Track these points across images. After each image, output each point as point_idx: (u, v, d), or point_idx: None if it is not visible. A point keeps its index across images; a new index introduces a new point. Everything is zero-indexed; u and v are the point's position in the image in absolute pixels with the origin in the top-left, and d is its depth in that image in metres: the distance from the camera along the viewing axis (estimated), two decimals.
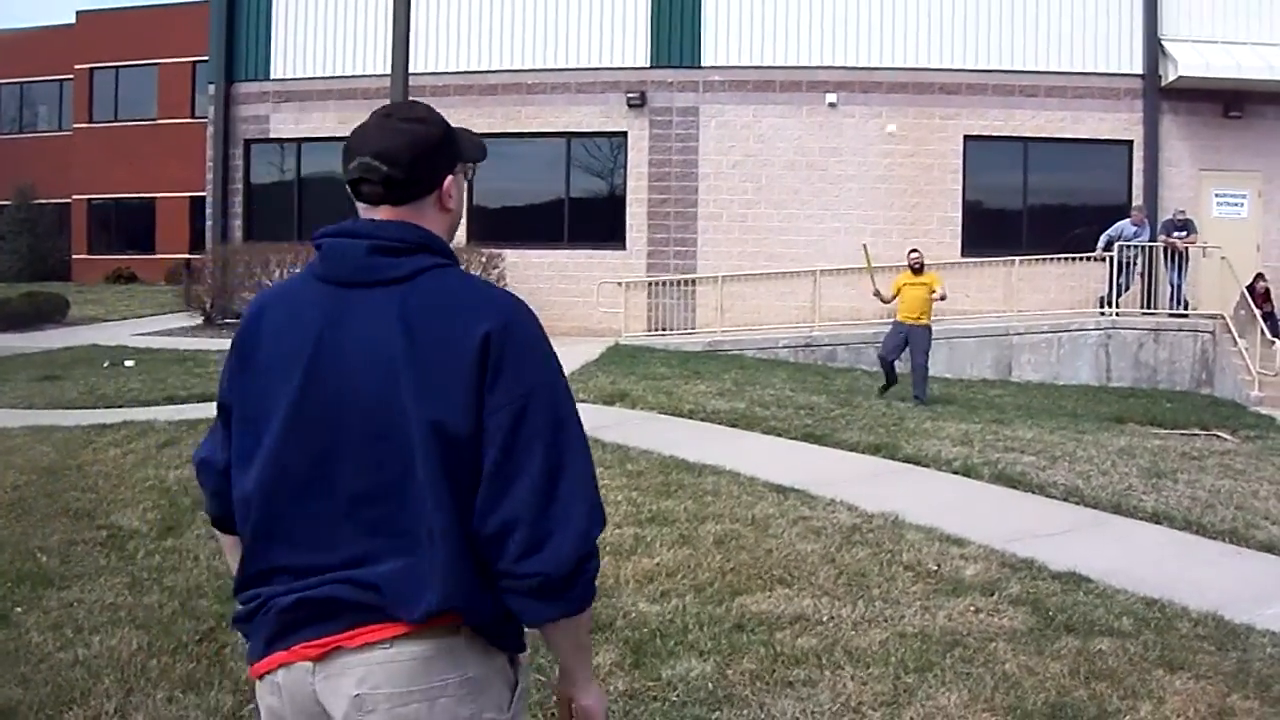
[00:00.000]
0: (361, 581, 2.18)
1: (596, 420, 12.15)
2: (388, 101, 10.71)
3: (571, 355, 18.01)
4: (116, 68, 39.95)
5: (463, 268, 2.40)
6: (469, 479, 2.19)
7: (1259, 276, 20.27)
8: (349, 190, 2.36)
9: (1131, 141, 22.14)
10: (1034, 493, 9.77)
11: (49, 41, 41.27)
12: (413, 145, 2.31)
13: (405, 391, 2.17)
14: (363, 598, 2.17)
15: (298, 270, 2.86)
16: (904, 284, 16.13)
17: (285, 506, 2.25)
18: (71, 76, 40.73)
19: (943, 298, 16.15)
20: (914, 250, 16.68)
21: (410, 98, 10.82)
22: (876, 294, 16.28)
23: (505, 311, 2.26)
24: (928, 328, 16.07)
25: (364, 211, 2.37)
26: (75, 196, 40.12)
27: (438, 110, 2.42)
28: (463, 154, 2.44)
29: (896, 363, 15.98)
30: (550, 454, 2.22)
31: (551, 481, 2.24)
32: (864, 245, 17.50)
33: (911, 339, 15.83)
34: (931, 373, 18.82)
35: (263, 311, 2.41)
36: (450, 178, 2.38)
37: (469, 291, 2.28)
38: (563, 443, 2.27)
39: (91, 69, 40.28)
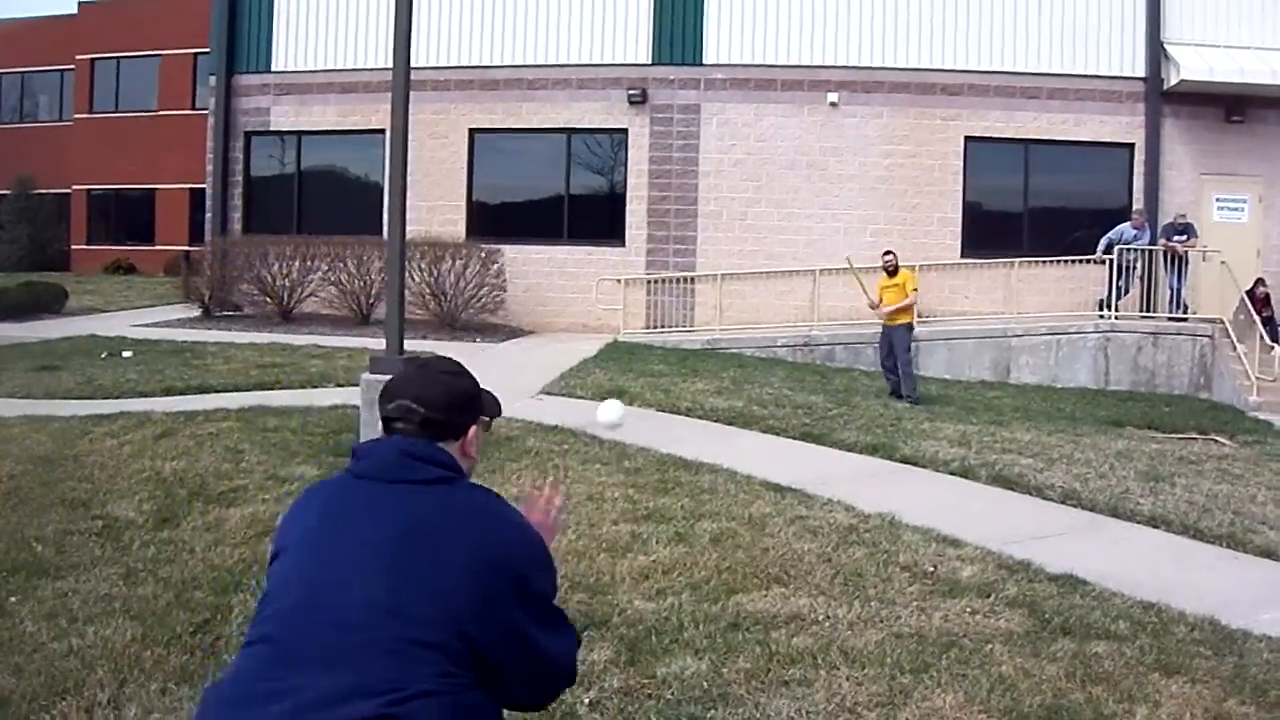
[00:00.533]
0: None
1: (594, 417, 12.12)
2: (389, 95, 10.72)
3: (569, 351, 18.03)
4: (117, 58, 39.89)
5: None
6: None
7: (1259, 281, 20.26)
8: (382, 427, 2.75)
9: (1133, 145, 22.12)
10: (1031, 495, 9.77)
11: (50, 32, 41.23)
12: (449, 394, 2.74)
13: None
14: None
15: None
16: (881, 287, 16.21)
17: None
18: (73, 67, 40.65)
19: (911, 292, 16.12)
20: (888, 252, 16.72)
21: (412, 92, 10.82)
22: (871, 304, 16.28)
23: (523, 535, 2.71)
24: (906, 326, 16.08)
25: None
26: (75, 187, 40.07)
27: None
28: (485, 409, 2.86)
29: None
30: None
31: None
32: (847, 259, 17.48)
33: (892, 339, 15.92)
34: (929, 373, 18.98)
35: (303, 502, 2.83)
36: (474, 427, 2.78)
37: (491, 508, 2.67)
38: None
39: (93, 59, 40.23)
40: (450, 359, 2.82)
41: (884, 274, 16.34)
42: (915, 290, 16.31)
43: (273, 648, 2.40)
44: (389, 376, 9.56)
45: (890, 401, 15.34)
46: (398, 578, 2.41)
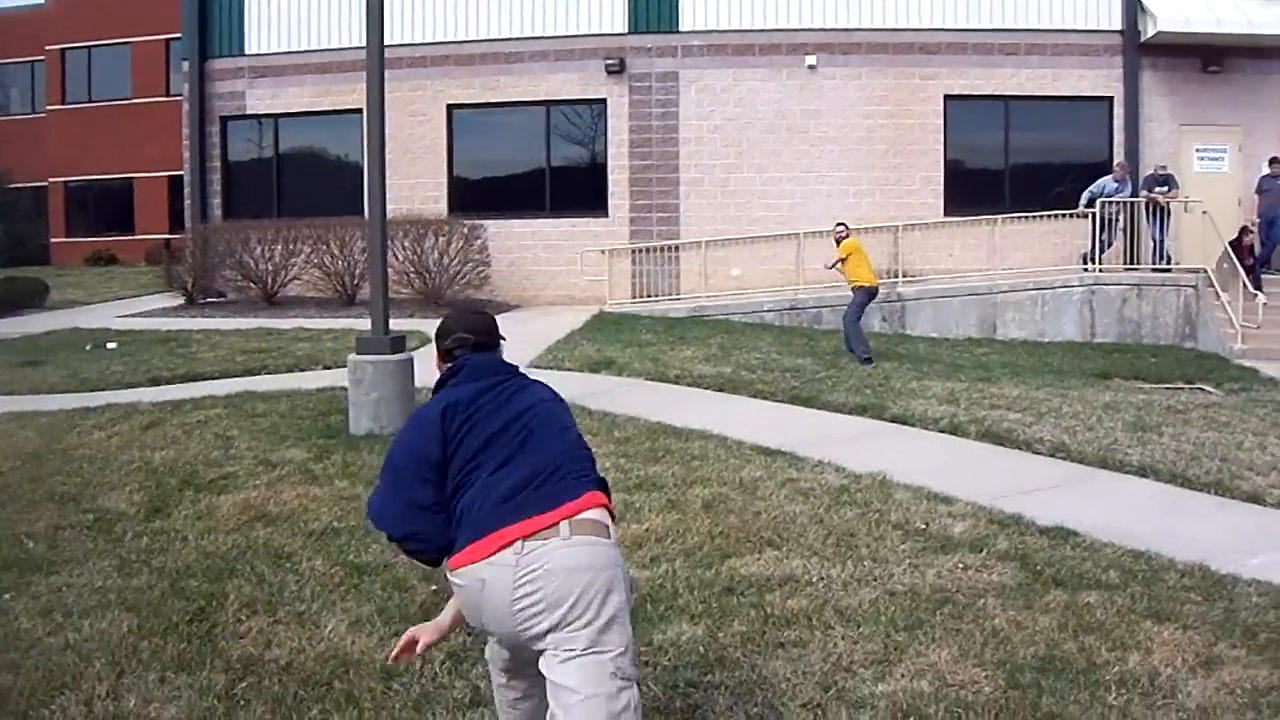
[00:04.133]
0: None
1: (582, 388, 12.17)
2: (364, 75, 10.69)
3: (556, 324, 18.03)
4: (89, 48, 39.64)
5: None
6: None
7: (1244, 230, 20.28)
8: (446, 355, 3.96)
9: (1112, 98, 22.11)
10: (1020, 449, 9.81)
11: (19, 23, 40.97)
12: (487, 321, 4.04)
13: None
14: None
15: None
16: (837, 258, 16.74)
17: None
18: (43, 58, 40.40)
19: (841, 260, 16.57)
20: (839, 224, 17.12)
21: (387, 69, 10.78)
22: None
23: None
24: (853, 291, 16.44)
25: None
26: (51, 179, 39.86)
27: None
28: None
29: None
30: None
31: None
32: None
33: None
34: (916, 332, 19.18)
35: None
36: (501, 342, 4.04)
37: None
38: None
39: (63, 49, 39.97)
40: (474, 305, 3.37)
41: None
42: (843, 258, 16.53)
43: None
44: (378, 356, 9.58)
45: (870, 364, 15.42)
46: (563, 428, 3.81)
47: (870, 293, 16.49)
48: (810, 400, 12.01)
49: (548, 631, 3.36)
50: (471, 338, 3.90)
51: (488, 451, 3.61)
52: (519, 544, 3.39)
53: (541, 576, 3.35)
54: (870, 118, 22.22)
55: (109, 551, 6.84)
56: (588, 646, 3.35)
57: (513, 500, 3.48)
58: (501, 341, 4.00)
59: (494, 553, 3.39)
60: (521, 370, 3.95)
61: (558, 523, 3.44)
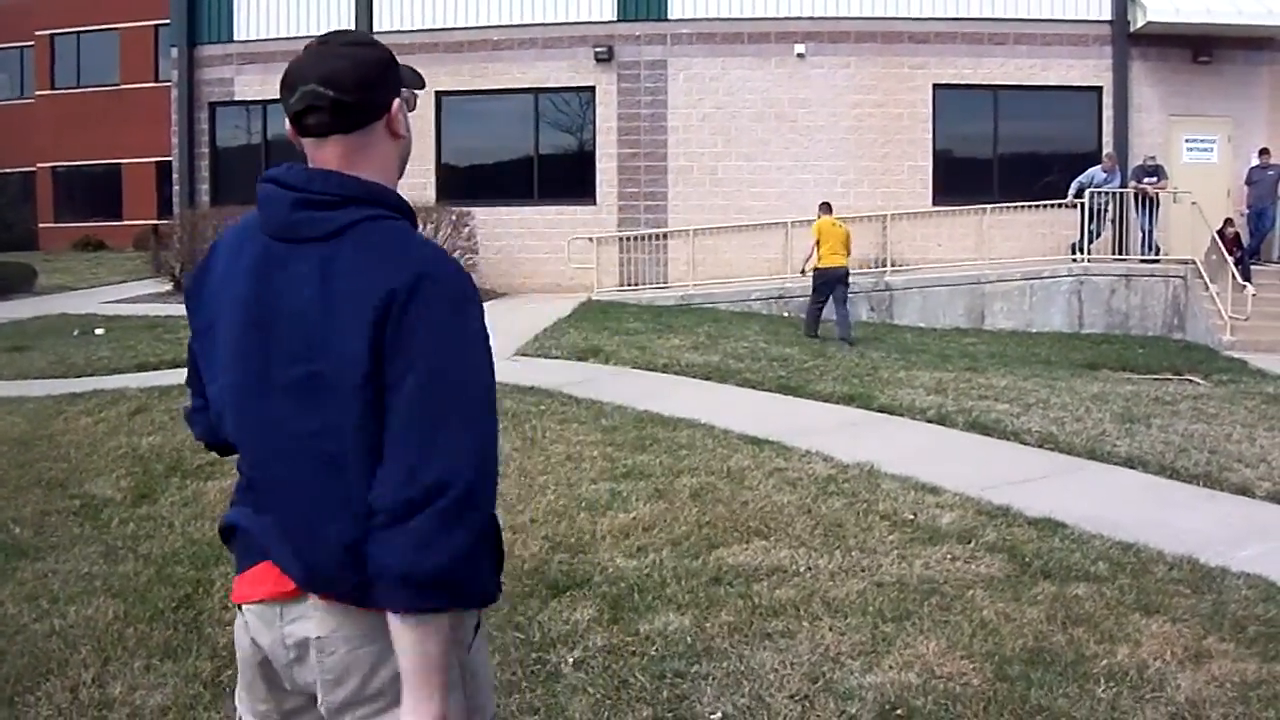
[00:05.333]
0: None
1: (569, 376, 12.16)
2: None
3: (544, 312, 18.00)
4: (77, 33, 39.51)
5: (422, 222, 2.34)
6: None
7: (1228, 222, 20.31)
8: (293, 126, 2.26)
9: (1101, 88, 22.14)
10: (1008, 440, 9.80)
11: (8, 8, 40.77)
12: (359, 66, 2.21)
13: (317, 352, 2.14)
14: None
15: None
16: None
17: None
18: (32, 43, 40.23)
19: (815, 244, 17.44)
20: (822, 203, 18.17)
21: None
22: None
23: (417, 265, 2.13)
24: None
25: (311, 149, 2.26)
26: (40, 165, 39.73)
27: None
28: (405, 79, 2.33)
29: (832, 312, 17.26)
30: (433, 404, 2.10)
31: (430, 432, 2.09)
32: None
33: None
34: (904, 322, 19.41)
35: (212, 257, 2.41)
36: (397, 101, 2.28)
37: (388, 246, 2.16)
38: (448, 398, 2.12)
39: (52, 35, 39.82)
40: (354, 30, 2.29)
41: None
42: (815, 241, 17.43)
43: None
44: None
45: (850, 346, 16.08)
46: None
47: (825, 274, 16.93)
48: (798, 389, 12.01)
49: None
50: (330, 95, 2.19)
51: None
52: None
53: None
54: (859, 107, 22.22)
55: (95, 538, 6.81)
56: None
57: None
58: (394, 97, 2.29)
59: None
60: (385, 220, 2.22)
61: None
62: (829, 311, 16.99)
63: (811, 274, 17.24)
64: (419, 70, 2.45)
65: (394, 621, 2.06)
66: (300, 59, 2.23)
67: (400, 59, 2.29)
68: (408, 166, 2.40)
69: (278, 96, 2.32)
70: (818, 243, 17.15)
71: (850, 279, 17.44)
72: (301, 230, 2.18)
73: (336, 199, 2.18)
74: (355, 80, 2.19)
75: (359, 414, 2.09)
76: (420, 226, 2.31)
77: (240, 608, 2.33)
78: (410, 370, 2.06)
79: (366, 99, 2.21)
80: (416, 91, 2.42)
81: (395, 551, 2.02)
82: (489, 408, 2.16)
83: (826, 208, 17.92)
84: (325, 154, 2.23)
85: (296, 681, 2.27)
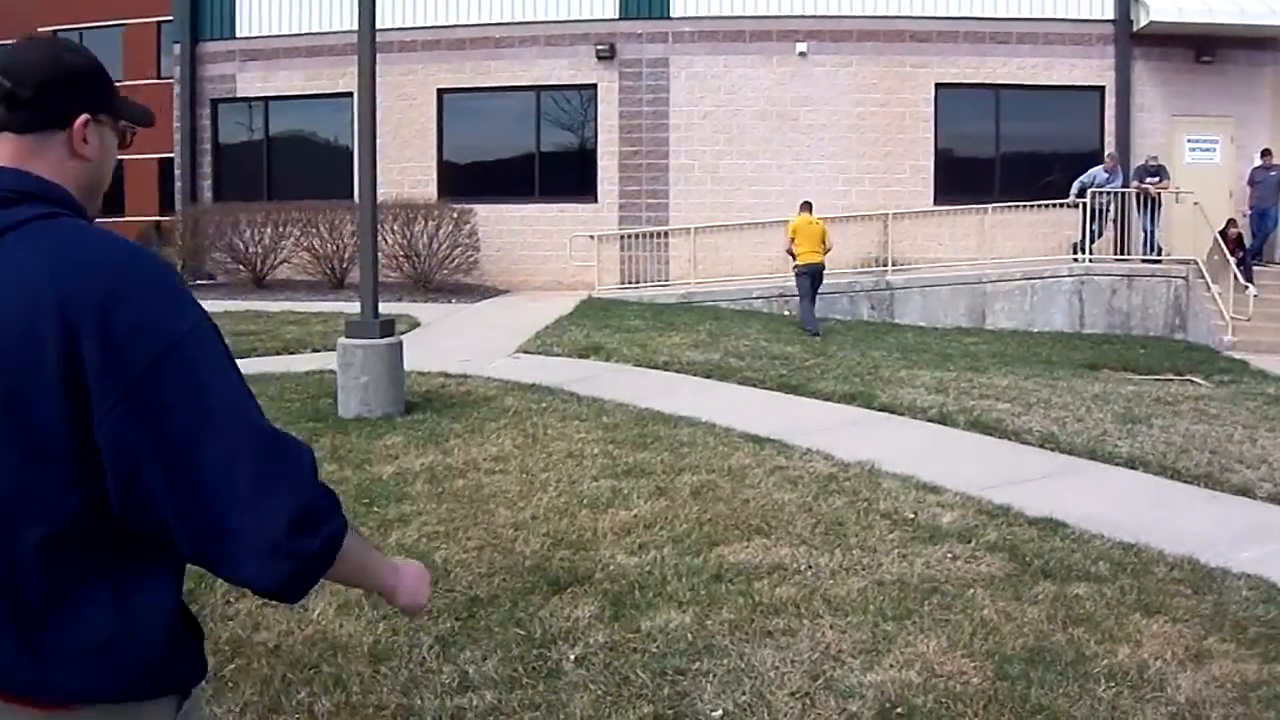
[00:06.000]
0: None
1: (570, 374, 12.16)
2: (355, 58, 10.64)
3: (545, 310, 17.99)
4: (80, 29, 39.46)
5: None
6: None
7: (1231, 223, 20.30)
8: None
9: (1103, 88, 22.12)
10: (1009, 439, 9.80)
11: (11, 4, 40.65)
12: (47, 65, 1.96)
13: None
14: None
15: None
16: None
17: None
18: None
19: (792, 240, 18.18)
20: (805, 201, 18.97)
21: (378, 54, 10.75)
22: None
23: (98, 267, 1.80)
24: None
25: None
26: None
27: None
28: (117, 106, 2.08)
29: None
30: (195, 426, 1.77)
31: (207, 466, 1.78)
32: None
33: None
34: (905, 321, 19.45)
35: None
36: (88, 120, 1.98)
37: (65, 245, 1.82)
38: (216, 403, 1.81)
39: (54, 31, 39.77)
40: (77, 44, 2.06)
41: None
42: (791, 238, 18.18)
43: None
44: (367, 340, 9.50)
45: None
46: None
47: (803, 270, 17.67)
48: (799, 388, 12.01)
49: None
50: (6, 85, 1.91)
51: None
52: None
53: None
54: (860, 105, 22.21)
55: None
56: None
57: None
58: (80, 110, 1.98)
59: None
60: (63, 217, 1.89)
61: None
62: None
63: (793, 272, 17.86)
64: (143, 106, 2.23)
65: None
66: (17, 47, 2.00)
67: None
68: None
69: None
70: (794, 240, 17.72)
71: (824, 276, 18.03)
72: None
73: (6, 195, 1.87)
74: (38, 78, 1.94)
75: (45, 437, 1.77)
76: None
77: None
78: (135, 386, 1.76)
79: (42, 100, 1.94)
80: (134, 127, 2.18)
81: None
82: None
83: (807, 206, 18.41)
84: None
85: None
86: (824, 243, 17.78)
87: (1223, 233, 19.81)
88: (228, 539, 1.76)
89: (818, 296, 17.99)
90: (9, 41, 1.95)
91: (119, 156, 2.16)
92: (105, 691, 1.84)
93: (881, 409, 11.06)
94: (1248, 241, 20.45)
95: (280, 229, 21.58)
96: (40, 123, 1.94)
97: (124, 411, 1.73)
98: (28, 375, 1.73)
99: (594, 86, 22.76)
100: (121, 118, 2.10)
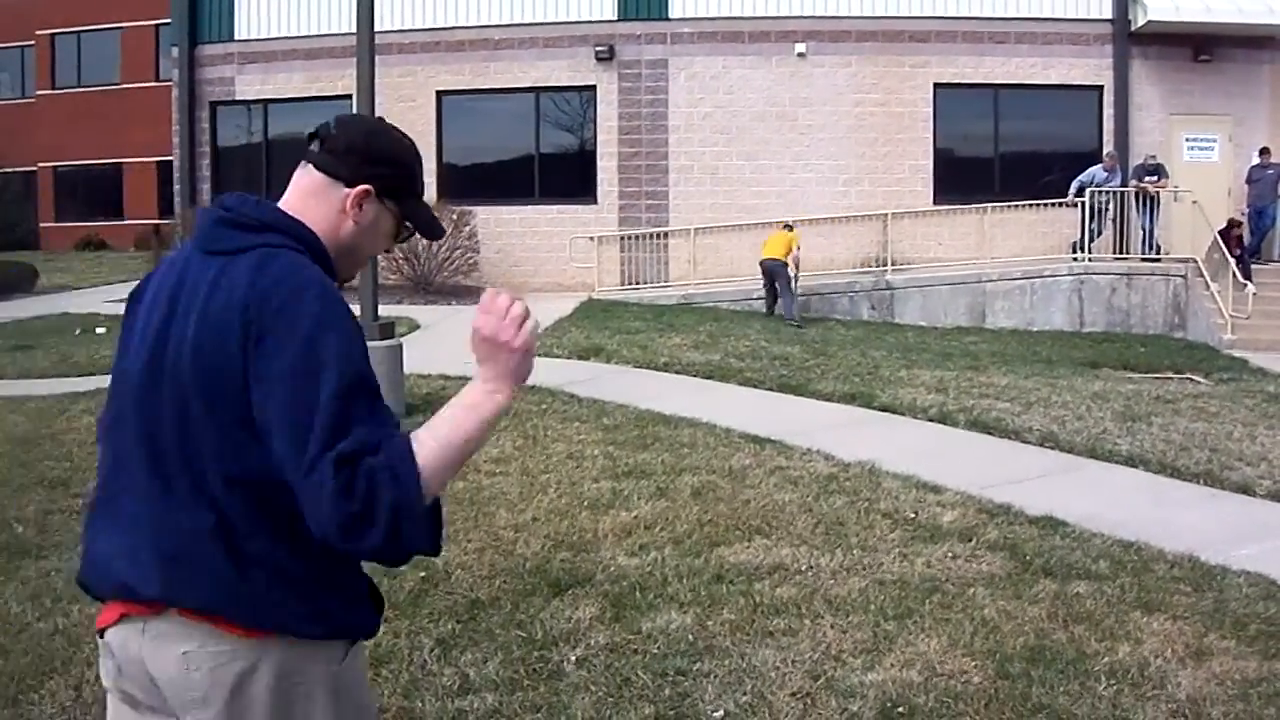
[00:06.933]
0: None
1: (571, 375, 12.17)
2: (354, 60, 10.66)
3: (545, 311, 17.96)
4: (78, 32, 39.51)
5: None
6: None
7: (1234, 223, 20.28)
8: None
9: (1102, 87, 22.13)
10: (1009, 438, 9.82)
11: (9, 7, 40.74)
12: (364, 135, 2.39)
13: (192, 354, 2.17)
14: None
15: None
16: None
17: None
18: (33, 43, 40.21)
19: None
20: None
21: (377, 56, 10.76)
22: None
23: (269, 283, 2.15)
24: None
25: (298, 174, 2.40)
26: (41, 164, 39.71)
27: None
28: (405, 202, 2.45)
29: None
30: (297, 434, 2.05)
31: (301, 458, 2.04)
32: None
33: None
34: (905, 320, 19.47)
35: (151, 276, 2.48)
36: (367, 191, 2.35)
37: (259, 269, 2.18)
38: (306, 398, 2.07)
39: (53, 34, 39.82)
40: (397, 130, 2.50)
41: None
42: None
43: None
44: (366, 342, 9.56)
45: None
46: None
47: (761, 265, 18.88)
48: (799, 388, 12.01)
49: None
50: (330, 129, 2.40)
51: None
52: None
53: None
54: (860, 106, 22.21)
55: None
56: None
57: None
58: (361, 181, 2.35)
59: None
60: (285, 251, 2.26)
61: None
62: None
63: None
64: (436, 220, 2.56)
65: None
66: (360, 116, 2.50)
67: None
68: None
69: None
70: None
71: (786, 272, 18.76)
72: (217, 242, 2.28)
73: (256, 222, 2.29)
74: (351, 141, 2.36)
75: (237, 415, 2.13)
76: None
77: (101, 634, 2.33)
78: (269, 376, 2.09)
79: (343, 155, 2.34)
80: (409, 225, 2.49)
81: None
82: (350, 399, 2.09)
83: (786, 226, 19.50)
84: (296, 176, 2.40)
85: (162, 701, 2.24)
86: (788, 247, 18.72)
87: (1225, 231, 19.80)
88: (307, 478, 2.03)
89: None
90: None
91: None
92: (288, 625, 2.18)
93: (882, 409, 11.07)
94: (1247, 240, 20.44)
95: None
96: (332, 170, 2.34)
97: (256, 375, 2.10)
98: (223, 352, 2.12)
99: (593, 88, 22.77)
100: (405, 214, 2.46)
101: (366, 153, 2.35)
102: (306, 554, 2.16)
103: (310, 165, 2.36)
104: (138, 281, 2.52)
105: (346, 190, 2.33)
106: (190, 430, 2.17)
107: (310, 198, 2.35)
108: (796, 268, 19.04)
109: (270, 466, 2.09)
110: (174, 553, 2.16)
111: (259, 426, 2.10)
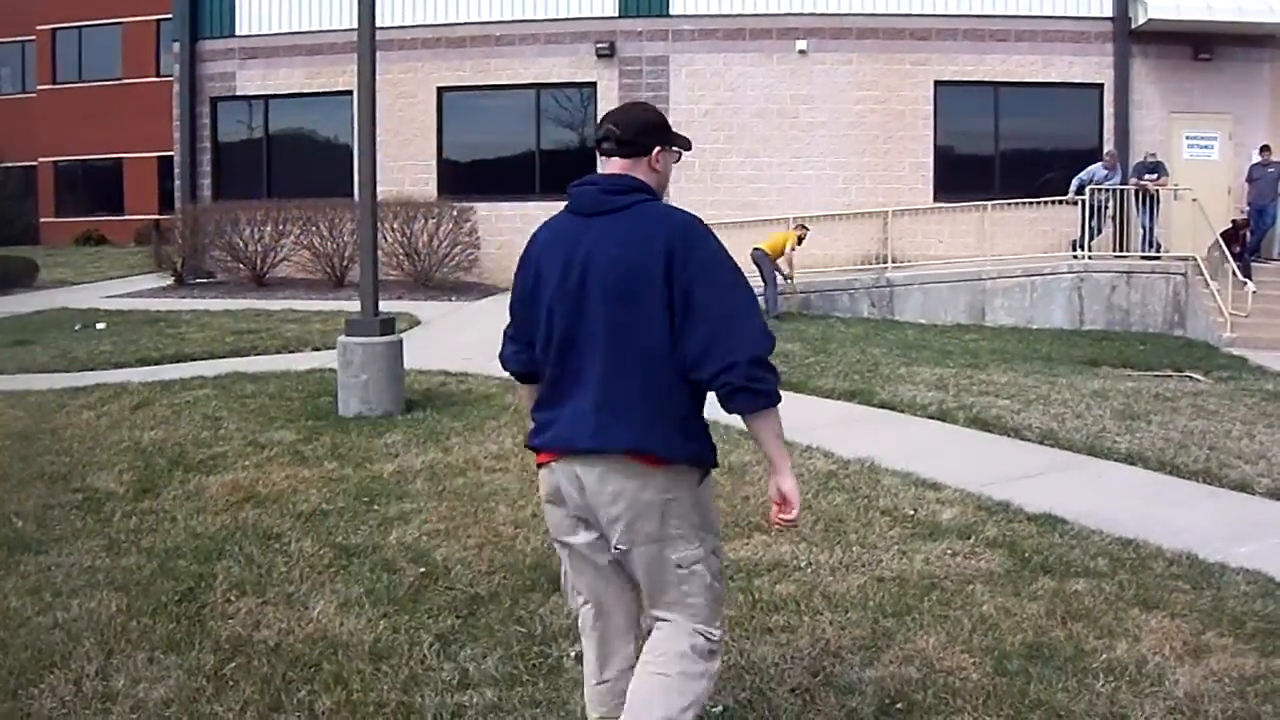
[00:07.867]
0: None
1: None
2: (355, 56, 10.66)
3: None
4: (79, 27, 39.49)
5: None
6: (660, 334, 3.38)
7: (1236, 223, 20.27)
8: (596, 146, 3.64)
9: (1102, 85, 22.14)
10: (1009, 436, 9.81)
11: (10, 2, 40.74)
12: (639, 120, 3.63)
13: (624, 276, 3.39)
14: None
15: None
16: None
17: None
18: (34, 37, 40.19)
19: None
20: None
21: (378, 51, 10.76)
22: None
23: (680, 223, 3.46)
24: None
25: (602, 164, 3.59)
26: (41, 159, 39.71)
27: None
28: (672, 139, 3.67)
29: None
30: (721, 305, 3.34)
31: (726, 322, 3.33)
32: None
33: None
34: (904, 317, 19.43)
35: (536, 238, 3.69)
36: (659, 149, 3.60)
37: (660, 213, 3.47)
38: (731, 299, 3.37)
39: (54, 29, 39.80)
40: (648, 103, 3.85)
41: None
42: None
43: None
44: (367, 338, 9.52)
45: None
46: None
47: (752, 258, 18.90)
48: (799, 385, 12.00)
49: None
50: (616, 132, 3.57)
51: (538, 323, 3.64)
52: None
53: None
54: (860, 103, 22.22)
55: (98, 531, 6.83)
56: None
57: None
58: (656, 144, 3.59)
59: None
60: (654, 201, 3.56)
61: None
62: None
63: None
64: (685, 138, 3.73)
65: (754, 422, 3.50)
66: (614, 110, 3.69)
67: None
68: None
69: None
70: None
71: (769, 263, 18.86)
72: (603, 205, 3.49)
73: (624, 188, 3.52)
74: (633, 129, 3.58)
75: (660, 310, 3.36)
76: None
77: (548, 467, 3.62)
78: (694, 284, 3.34)
79: (635, 140, 3.57)
80: (683, 150, 3.71)
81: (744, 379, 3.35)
82: (752, 298, 3.44)
83: (801, 226, 19.72)
84: (610, 167, 3.58)
85: (605, 517, 3.52)
86: (780, 246, 19.10)
87: (1231, 231, 19.79)
88: (724, 356, 3.34)
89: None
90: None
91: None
92: (679, 456, 3.50)
93: (881, 406, 11.07)
94: (1248, 238, 20.44)
95: (280, 227, 21.59)
96: (634, 153, 3.58)
97: (685, 281, 3.35)
98: (650, 274, 3.37)
99: (594, 85, 22.77)
100: (675, 145, 3.69)
101: (646, 128, 3.60)
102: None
103: (613, 157, 3.58)
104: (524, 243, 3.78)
105: (646, 156, 3.58)
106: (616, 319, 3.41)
107: (630, 171, 3.56)
108: (790, 266, 19.14)
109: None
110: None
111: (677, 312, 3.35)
